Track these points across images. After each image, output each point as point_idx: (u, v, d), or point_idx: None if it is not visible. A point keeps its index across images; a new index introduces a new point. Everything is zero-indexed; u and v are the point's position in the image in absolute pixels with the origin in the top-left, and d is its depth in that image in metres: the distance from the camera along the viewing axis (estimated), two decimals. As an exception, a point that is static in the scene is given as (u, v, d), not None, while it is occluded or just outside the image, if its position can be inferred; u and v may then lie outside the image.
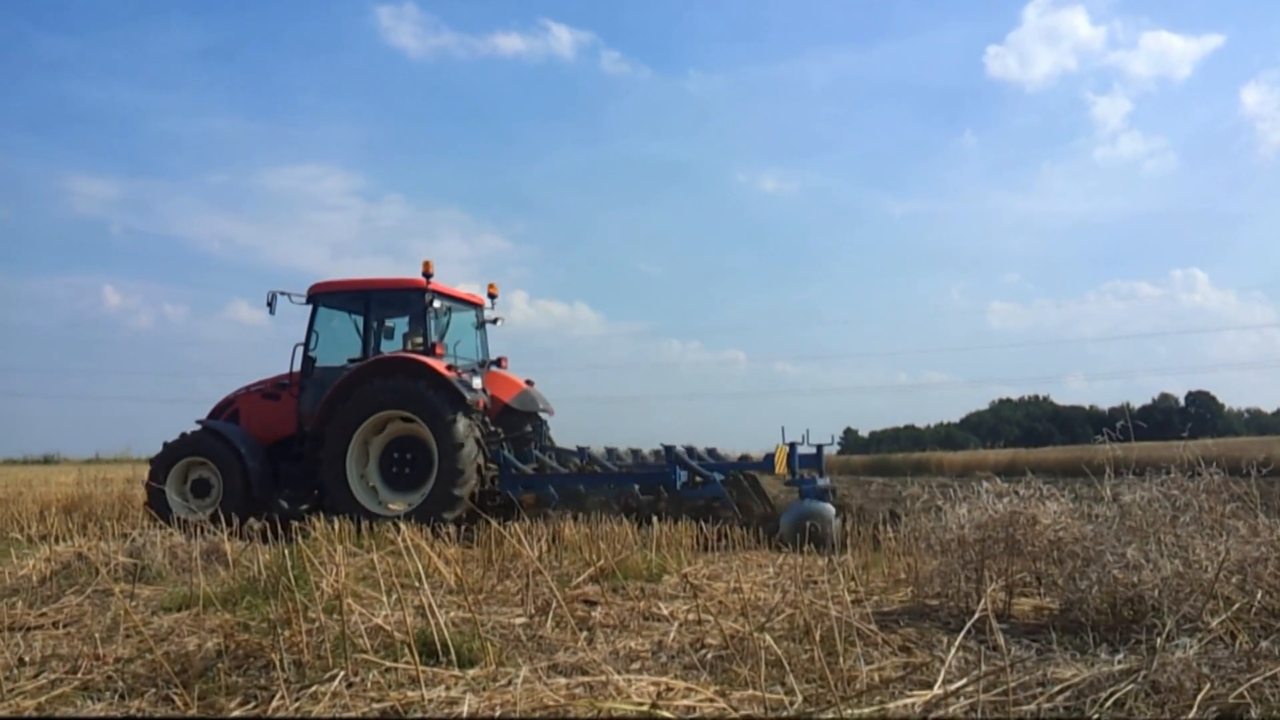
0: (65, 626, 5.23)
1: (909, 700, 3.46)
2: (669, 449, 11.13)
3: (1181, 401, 73.88)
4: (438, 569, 5.66)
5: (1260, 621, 4.23)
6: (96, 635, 4.76)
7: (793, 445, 10.67)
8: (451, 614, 4.87)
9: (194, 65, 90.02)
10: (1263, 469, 6.02)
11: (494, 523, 6.46)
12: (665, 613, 5.36)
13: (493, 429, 11.69)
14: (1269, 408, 73.73)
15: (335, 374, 11.54)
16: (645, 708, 3.05)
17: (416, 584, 4.54)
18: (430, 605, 4.28)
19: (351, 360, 11.76)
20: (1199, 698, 3.24)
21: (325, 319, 12.11)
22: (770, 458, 10.74)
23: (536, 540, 7.62)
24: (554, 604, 5.13)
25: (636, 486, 10.86)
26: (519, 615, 5.27)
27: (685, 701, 3.21)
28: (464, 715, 3.28)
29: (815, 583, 6.32)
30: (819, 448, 11.07)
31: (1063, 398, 79.02)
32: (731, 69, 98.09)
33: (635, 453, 12.30)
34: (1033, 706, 3.38)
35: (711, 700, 3.18)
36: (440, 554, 6.14)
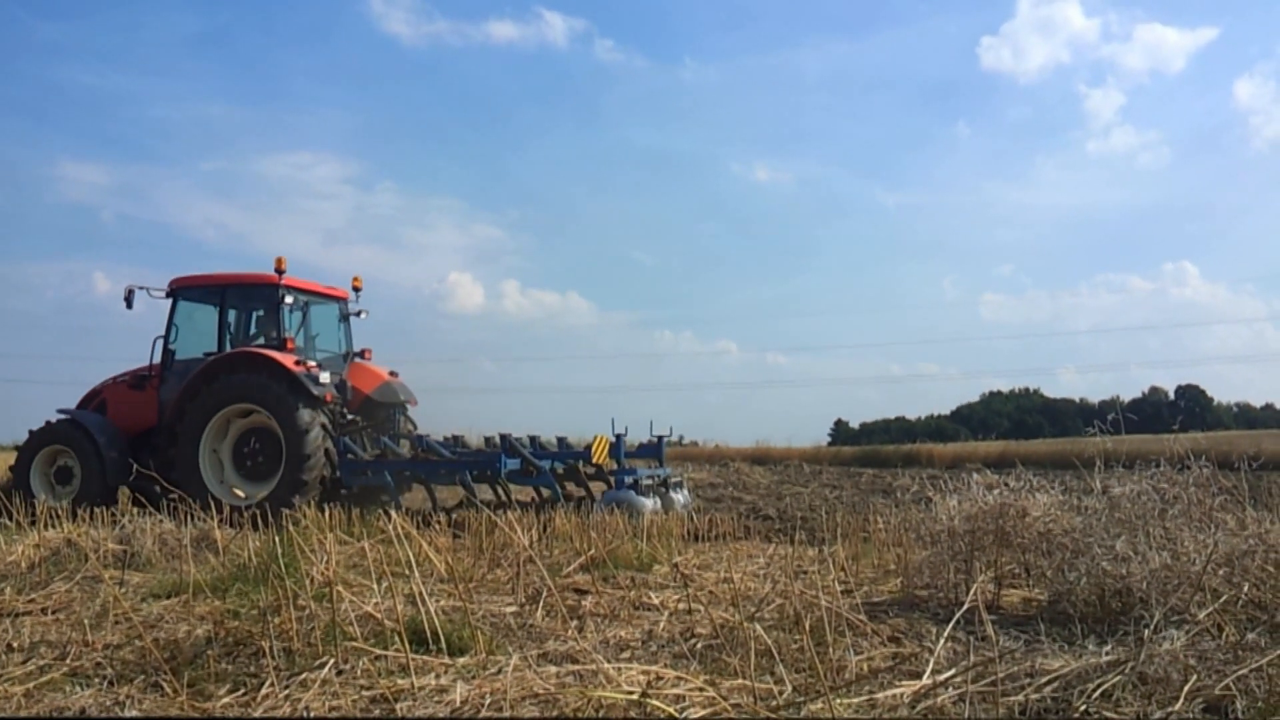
0: (54, 613, 5.22)
1: (898, 690, 3.47)
2: (503, 437, 11.45)
3: (1171, 395, 74.20)
4: (428, 557, 5.66)
5: (1247, 614, 4.26)
6: (85, 621, 4.75)
7: (619, 436, 11.31)
8: (442, 602, 4.87)
9: (187, 51, 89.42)
10: (1251, 463, 6.06)
11: (486, 511, 6.45)
12: (656, 602, 5.37)
13: (349, 418, 12.27)
14: (1258, 402, 74.11)
15: (194, 366, 11.97)
16: (635, 696, 3.06)
17: (407, 572, 4.54)
18: (421, 593, 4.29)
19: (207, 354, 12.16)
20: (1185, 689, 3.26)
21: (185, 312, 12.59)
22: (589, 449, 11.50)
23: (527, 529, 7.62)
24: (544, 593, 5.14)
25: (468, 473, 11.25)
26: (509, 604, 5.28)
27: (675, 690, 3.21)
28: (454, 703, 3.28)
29: (805, 573, 6.33)
30: (660, 439, 11.92)
31: (1053, 390, 79.22)
32: (726, 58, 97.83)
33: (488, 440, 12.45)
34: (1021, 697, 3.40)
35: (701, 689, 3.19)
36: (431, 542, 6.15)
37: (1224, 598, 4.23)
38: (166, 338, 12.36)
